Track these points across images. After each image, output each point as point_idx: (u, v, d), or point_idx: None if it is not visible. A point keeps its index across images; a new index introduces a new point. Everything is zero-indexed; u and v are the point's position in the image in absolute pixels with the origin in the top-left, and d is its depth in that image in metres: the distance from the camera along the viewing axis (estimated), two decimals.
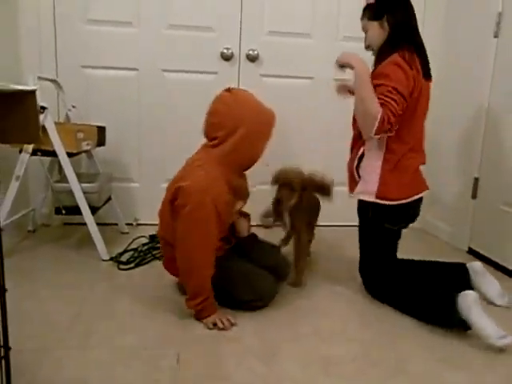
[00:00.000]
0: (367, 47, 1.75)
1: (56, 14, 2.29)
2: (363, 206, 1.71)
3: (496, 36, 2.12)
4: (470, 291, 1.43)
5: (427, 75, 1.65)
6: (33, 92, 0.78)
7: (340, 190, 1.86)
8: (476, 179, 2.25)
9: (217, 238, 1.48)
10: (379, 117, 1.49)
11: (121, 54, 2.39)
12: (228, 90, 1.53)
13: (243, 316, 1.52)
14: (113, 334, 1.37)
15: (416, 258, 1.80)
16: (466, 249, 2.31)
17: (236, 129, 1.46)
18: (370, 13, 1.69)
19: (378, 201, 1.64)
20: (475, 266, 1.68)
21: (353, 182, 1.73)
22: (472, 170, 2.27)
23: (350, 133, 1.76)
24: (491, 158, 2.16)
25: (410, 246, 2.29)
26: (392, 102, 1.50)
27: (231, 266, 1.57)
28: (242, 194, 1.62)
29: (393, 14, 1.64)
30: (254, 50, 2.44)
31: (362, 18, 1.73)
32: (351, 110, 1.69)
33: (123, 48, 2.38)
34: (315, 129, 2.57)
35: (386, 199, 1.64)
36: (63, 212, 2.02)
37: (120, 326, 1.43)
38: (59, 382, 1.13)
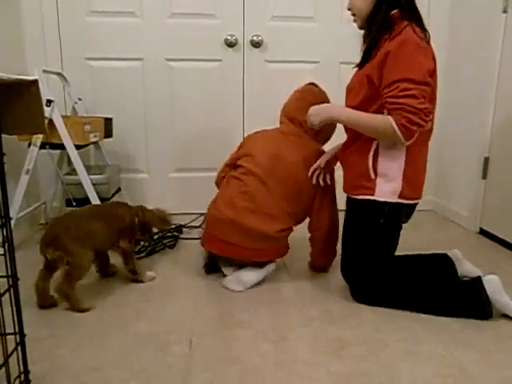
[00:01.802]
0: (353, 15, 1.49)
1: (59, 6, 2.29)
2: (375, 206, 1.45)
3: (505, 11, 2.07)
4: (492, 276, 1.39)
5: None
6: (35, 81, 0.78)
7: None
8: (486, 159, 2.22)
9: None
10: (395, 125, 1.29)
11: (125, 45, 2.38)
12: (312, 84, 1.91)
13: (253, 301, 1.54)
14: (125, 321, 1.39)
15: (425, 240, 1.78)
16: (478, 230, 2.29)
17: None
18: None
19: (401, 200, 1.44)
20: (456, 253, 1.64)
21: (363, 181, 1.46)
22: (482, 150, 2.24)
23: None
24: (501, 137, 2.13)
25: (420, 229, 2.29)
26: (408, 101, 1.28)
27: None
28: None
29: None
30: (258, 36, 2.42)
31: None
32: None
33: (127, 38, 2.38)
34: None
35: (409, 198, 1.46)
36: (74, 204, 2.04)
37: (132, 313, 1.45)
38: (75, 368, 1.16)
